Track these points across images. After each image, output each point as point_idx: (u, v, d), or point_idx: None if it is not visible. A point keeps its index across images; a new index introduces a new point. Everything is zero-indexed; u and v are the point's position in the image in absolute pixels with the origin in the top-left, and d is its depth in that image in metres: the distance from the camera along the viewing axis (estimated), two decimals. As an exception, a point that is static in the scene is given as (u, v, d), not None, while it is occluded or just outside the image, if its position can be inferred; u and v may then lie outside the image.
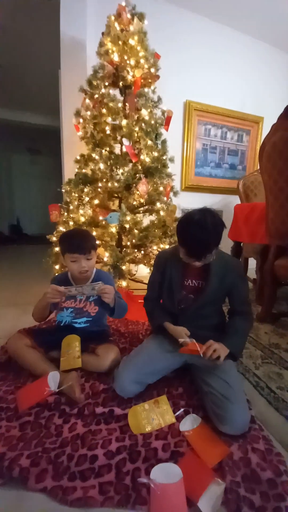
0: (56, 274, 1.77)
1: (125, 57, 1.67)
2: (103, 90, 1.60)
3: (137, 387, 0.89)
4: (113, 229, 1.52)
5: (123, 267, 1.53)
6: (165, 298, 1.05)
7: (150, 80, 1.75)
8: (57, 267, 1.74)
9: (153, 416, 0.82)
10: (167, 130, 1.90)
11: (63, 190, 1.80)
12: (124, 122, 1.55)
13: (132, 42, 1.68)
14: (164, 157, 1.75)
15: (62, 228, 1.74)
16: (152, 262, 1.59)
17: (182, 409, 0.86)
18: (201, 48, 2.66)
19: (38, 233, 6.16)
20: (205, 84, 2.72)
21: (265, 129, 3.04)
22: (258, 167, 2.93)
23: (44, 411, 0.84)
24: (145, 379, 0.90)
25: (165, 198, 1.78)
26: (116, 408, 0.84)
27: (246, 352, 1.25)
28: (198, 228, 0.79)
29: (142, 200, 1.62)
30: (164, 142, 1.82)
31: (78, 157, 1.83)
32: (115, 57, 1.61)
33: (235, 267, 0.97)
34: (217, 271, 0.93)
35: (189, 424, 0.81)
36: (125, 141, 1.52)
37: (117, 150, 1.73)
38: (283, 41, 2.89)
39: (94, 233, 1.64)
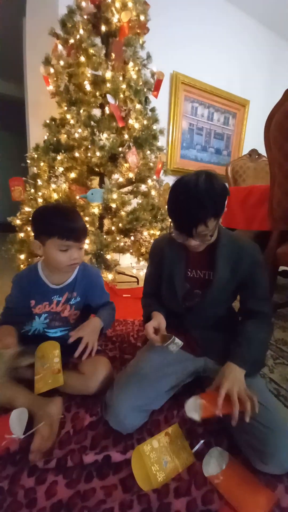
0: (21, 268, 1.42)
1: (109, -3, 1.34)
2: (81, 32, 1.25)
3: (139, 417, 0.65)
4: (95, 210, 1.23)
5: (107, 256, 1.26)
6: (166, 295, 0.81)
7: (138, 31, 1.44)
8: (22, 256, 1.39)
9: (165, 457, 0.60)
10: (156, 96, 1.63)
11: (28, 161, 1.43)
12: (108, 74, 1.23)
13: (117, -22, 1.35)
14: (154, 127, 1.48)
15: (28, 208, 1.39)
16: (143, 250, 1.34)
17: (201, 441, 0.65)
18: (191, 17, 2.39)
19: None
20: (194, 58, 2.48)
21: (251, 114, 2.92)
22: (242, 154, 2.85)
23: (5, 467, 0.56)
24: (149, 405, 0.67)
25: (154, 176, 1.53)
26: (112, 452, 0.59)
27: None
28: (187, 190, 0.59)
29: (131, 175, 1.33)
30: (153, 109, 1.55)
31: (48, 121, 1.47)
32: (98, -9, 1.27)
33: (251, 252, 0.72)
34: (227, 256, 0.71)
35: (215, 464, 0.60)
36: (110, 99, 1.21)
37: (97, 113, 1.41)
38: (274, 22, 2.75)
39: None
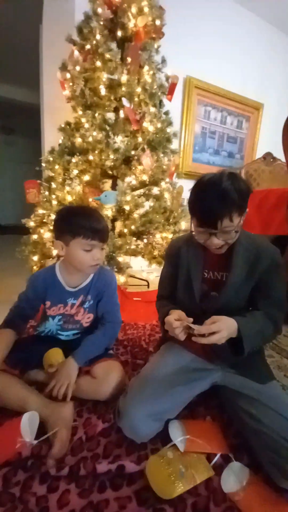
0: (34, 269, 1.43)
1: (125, 4, 1.35)
2: (98, 37, 1.27)
3: (154, 426, 0.62)
4: (108, 212, 1.22)
5: (120, 259, 1.25)
6: (182, 297, 0.79)
7: (154, 35, 1.45)
8: (35, 258, 1.40)
9: (182, 468, 0.57)
10: (170, 100, 1.63)
11: (44, 165, 1.45)
12: (124, 77, 1.24)
13: (133, -16, 1.36)
14: (168, 130, 1.47)
15: (41, 211, 1.40)
16: (155, 253, 1.33)
17: (218, 454, 0.62)
18: (205, 22, 2.39)
19: (13, 223, 5.57)
20: (207, 62, 2.47)
21: (265, 117, 2.88)
22: (256, 157, 2.80)
23: (16, 473, 0.55)
24: (164, 413, 0.64)
25: (167, 179, 1.51)
26: (126, 462, 0.57)
27: (272, 362, 1.04)
28: (211, 184, 0.60)
29: (145, 178, 1.33)
30: (167, 113, 1.54)
31: (63, 125, 1.49)
32: (114, -3, 1.29)
33: (270, 254, 0.69)
34: (244, 257, 0.68)
35: (235, 479, 0.56)
36: (125, 102, 1.22)
37: (112, 116, 1.41)
38: (287, 26, 2.72)
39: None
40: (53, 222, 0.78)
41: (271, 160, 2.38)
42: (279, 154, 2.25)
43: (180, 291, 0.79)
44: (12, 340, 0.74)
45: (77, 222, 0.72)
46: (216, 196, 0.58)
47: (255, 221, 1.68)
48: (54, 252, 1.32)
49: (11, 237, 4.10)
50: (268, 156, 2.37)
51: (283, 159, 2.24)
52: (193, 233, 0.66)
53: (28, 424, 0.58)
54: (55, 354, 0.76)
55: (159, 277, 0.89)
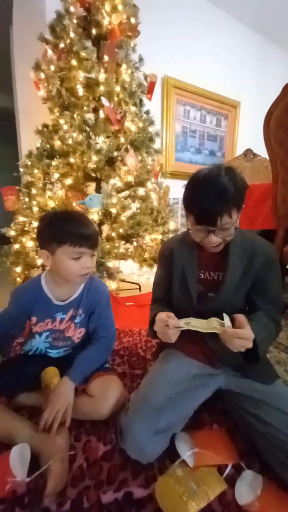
0: (18, 281, 1.33)
1: (98, 1, 1.31)
2: (72, 35, 1.22)
3: (160, 444, 0.58)
4: (95, 216, 1.17)
5: (109, 264, 1.20)
6: (178, 299, 0.75)
7: (129, 33, 1.42)
8: (18, 269, 1.32)
9: (193, 485, 0.53)
10: (150, 99, 1.60)
11: (21, 170, 1.37)
12: (102, 76, 1.19)
13: (105, -19, 1.32)
14: (150, 129, 1.44)
15: (22, 218, 1.32)
16: (146, 256, 1.29)
17: (230, 465, 0.58)
18: (180, 22, 2.40)
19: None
20: (184, 61, 2.48)
21: (242, 115, 2.94)
22: (236, 154, 2.85)
23: (14, 511, 0.48)
24: (169, 429, 0.59)
25: (153, 179, 1.48)
26: (134, 488, 0.52)
27: (271, 357, 1.03)
28: (209, 180, 0.57)
29: (130, 179, 1.28)
30: (148, 112, 1.52)
31: (40, 128, 1.42)
32: (87, -6, 1.24)
33: (265, 249, 0.68)
34: (240, 255, 0.67)
35: (249, 490, 0.53)
36: (105, 101, 1.17)
37: (91, 117, 1.36)
38: (261, 25, 2.79)
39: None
40: (36, 230, 0.71)
41: (252, 156, 2.41)
42: (259, 150, 2.30)
43: (175, 293, 0.76)
44: None
45: (62, 228, 0.64)
46: (214, 192, 0.55)
47: (240, 217, 1.69)
48: (39, 261, 1.25)
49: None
50: (249, 153, 2.40)
51: (263, 155, 2.29)
52: (190, 231, 0.63)
53: (19, 459, 0.52)
54: (53, 375, 0.69)
55: (150, 280, 0.85)
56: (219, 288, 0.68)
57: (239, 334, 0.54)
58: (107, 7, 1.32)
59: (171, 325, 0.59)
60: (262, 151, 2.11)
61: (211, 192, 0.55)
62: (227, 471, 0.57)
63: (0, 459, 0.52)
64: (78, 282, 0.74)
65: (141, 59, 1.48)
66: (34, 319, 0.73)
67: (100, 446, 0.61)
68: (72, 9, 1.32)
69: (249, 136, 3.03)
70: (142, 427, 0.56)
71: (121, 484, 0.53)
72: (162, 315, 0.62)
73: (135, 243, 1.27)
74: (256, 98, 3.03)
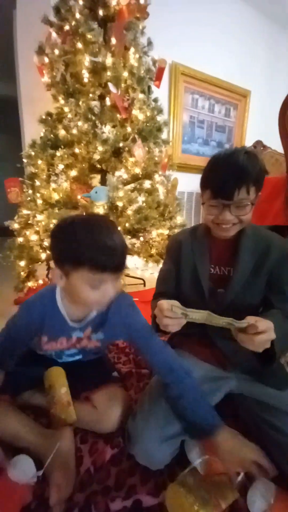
0: (22, 275, 1.29)
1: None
2: (77, 16, 1.14)
3: (169, 450, 0.55)
4: (100, 209, 1.13)
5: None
6: (188, 296, 0.71)
7: (138, 15, 1.34)
8: (22, 263, 1.29)
9: (204, 494, 0.51)
10: (158, 86, 1.53)
11: (25, 160, 1.33)
12: (109, 60, 1.13)
13: None
14: (158, 118, 1.38)
15: (26, 211, 1.28)
16: (152, 252, 1.25)
17: (242, 473, 0.56)
18: (190, 7, 2.28)
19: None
20: (193, 48, 2.37)
21: (253, 104, 2.82)
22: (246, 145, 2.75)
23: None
24: (179, 436, 0.57)
25: (160, 172, 1.43)
26: (143, 495, 0.50)
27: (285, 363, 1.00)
28: (229, 156, 0.57)
29: (137, 171, 1.23)
30: (156, 100, 1.45)
31: (44, 116, 1.36)
32: None
33: (280, 245, 0.65)
34: (251, 249, 0.64)
35: (261, 499, 0.51)
36: (112, 88, 1.11)
37: (97, 104, 1.30)
38: (272, 11, 2.64)
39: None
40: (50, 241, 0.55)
41: (262, 148, 2.33)
42: (269, 142, 2.21)
43: (185, 289, 0.72)
44: (1, 379, 0.62)
45: (80, 246, 0.48)
46: (234, 166, 0.55)
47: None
48: (43, 256, 1.22)
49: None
50: (259, 145, 2.31)
51: (273, 147, 2.20)
52: (204, 206, 0.61)
53: (19, 471, 0.51)
54: (58, 375, 0.67)
55: (155, 275, 0.82)
56: (229, 284, 0.65)
57: (259, 326, 0.49)
58: (115, -15, 1.24)
59: (168, 314, 0.53)
60: (272, 142, 2.03)
61: (230, 166, 0.55)
62: (239, 478, 0.55)
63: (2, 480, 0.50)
64: (95, 309, 0.61)
65: (150, 43, 1.40)
66: (45, 338, 0.63)
67: (108, 450, 0.59)
68: (77, -13, 1.24)
69: (259, 127, 2.92)
70: (151, 434, 0.54)
71: (130, 490, 0.51)
72: (162, 303, 0.54)
73: (141, 238, 1.23)
74: (267, 87, 2.91)
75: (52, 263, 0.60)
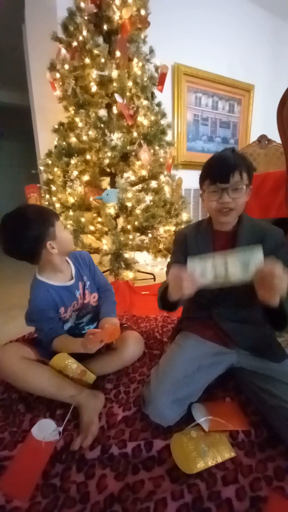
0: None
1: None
2: (84, 33, 1.25)
3: (178, 410, 0.66)
4: (111, 210, 1.24)
5: (126, 255, 1.27)
6: None
7: (139, 26, 1.43)
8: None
9: (204, 446, 0.61)
10: (161, 90, 1.61)
11: (41, 168, 1.46)
12: (115, 73, 1.23)
13: (114, -25, 1.33)
14: (162, 122, 1.46)
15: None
16: (160, 247, 1.35)
17: (240, 431, 0.65)
18: (189, 6, 2.33)
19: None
20: (194, 47, 2.42)
21: (257, 99, 2.84)
22: (250, 141, 2.78)
23: (54, 465, 0.58)
24: (187, 398, 0.68)
25: (165, 172, 1.52)
26: (153, 440, 0.61)
27: (282, 342, 1.07)
28: (221, 151, 0.70)
29: (144, 173, 1.33)
30: (159, 104, 1.53)
31: (56, 126, 1.49)
32: (97, -10, 1.26)
33: (274, 234, 0.72)
34: (248, 238, 0.71)
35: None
36: (118, 98, 1.21)
37: (104, 113, 1.41)
38: (273, 4, 2.64)
39: (82, 219, 1.33)
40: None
41: (266, 142, 2.35)
42: (274, 136, 2.23)
43: None
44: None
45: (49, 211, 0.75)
46: (227, 157, 0.67)
47: (254, 206, 1.69)
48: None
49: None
50: (263, 139, 2.34)
51: (278, 141, 2.23)
52: (205, 196, 0.71)
53: (42, 430, 0.64)
54: (61, 360, 0.76)
55: (164, 270, 0.91)
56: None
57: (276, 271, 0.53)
58: (117, 1, 1.34)
59: (192, 280, 0.60)
60: (277, 136, 2.06)
61: (224, 158, 0.67)
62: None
63: (27, 443, 0.63)
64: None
65: (151, 51, 1.49)
66: (62, 309, 0.80)
67: (119, 412, 0.70)
68: (82, 5, 1.35)
69: (264, 121, 2.93)
70: (162, 398, 0.64)
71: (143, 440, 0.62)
72: (179, 270, 0.62)
73: (150, 235, 1.33)
74: (271, 80, 2.91)
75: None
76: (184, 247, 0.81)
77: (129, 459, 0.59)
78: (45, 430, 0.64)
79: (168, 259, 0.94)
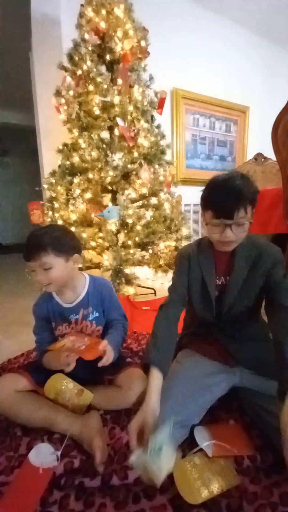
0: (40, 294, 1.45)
1: (111, 29, 1.43)
2: (88, 63, 1.34)
3: (180, 433, 0.64)
4: (112, 226, 1.26)
5: (127, 271, 1.28)
6: (198, 307, 0.81)
7: (140, 56, 1.53)
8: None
9: (208, 474, 0.58)
10: (160, 113, 1.69)
11: (45, 186, 1.50)
12: (116, 99, 1.30)
13: (118, 11, 1.45)
14: (162, 143, 1.53)
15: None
16: (161, 262, 1.36)
17: (245, 457, 0.63)
18: (185, 34, 2.50)
19: (14, 242, 5.61)
20: (192, 72, 2.57)
21: (252, 119, 2.96)
22: (247, 158, 2.88)
23: (52, 492, 0.56)
24: (189, 420, 0.66)
25: (165, 189, 1.56)
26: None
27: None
28: (226, 181, 0.65)
29: (144, 191, 1.38)
30: (159, 126, 1.61)
31: (61, 147, 1.55)
32: (102, 24, 1.36)
33: (271, 252, 0.73)
34: (246, 256, 0.72)
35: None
36: (120, 121, 1.28)
37: (106, 135, 1.47)
38: (266, 30, 2.84)
39: (84, 235, 1.36)
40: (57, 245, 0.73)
41: (262, 160, 2.43)
42: (270, 153, 2.32)
43: (194, 299, 0.80)
44: None
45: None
46: (232, 190, 0.63)
47: (253, 222, 1.72)
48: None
49: (13, 257, 4.14)
50: (259, 157, 2.43)
51: (274, 158, 2.31)
52: (208, 226, 0.69)
53: (40, 455, 0.62)
54: (56, 380, 0.75)
55: (164, 285, 0.91)
56: (227, 289, 0.74)
57: None
58: (119, 33, 1.44)
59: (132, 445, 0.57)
60: (273, 154, 2.14)
61: (229, 190, 0.63)
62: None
63: (24, 468, 0.61)
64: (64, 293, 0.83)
65: (151, 78, 1.58)
66: (53, 324, 0.82)
67: (124, 435, 0.68)
68: (87, 36, 1.45)
69: (260, 140, 3.04)
70: (163, 418, 0.63)
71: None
72: (132, 428, 0.59)
73: (150, 251, 1.35)
74: (265, 101, 3.05)
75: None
76: (186, 269, 0.80)
77: (130, 486, 0.57)
78: (43, 455, 0.62)
79: (169, 274, 0.94)
